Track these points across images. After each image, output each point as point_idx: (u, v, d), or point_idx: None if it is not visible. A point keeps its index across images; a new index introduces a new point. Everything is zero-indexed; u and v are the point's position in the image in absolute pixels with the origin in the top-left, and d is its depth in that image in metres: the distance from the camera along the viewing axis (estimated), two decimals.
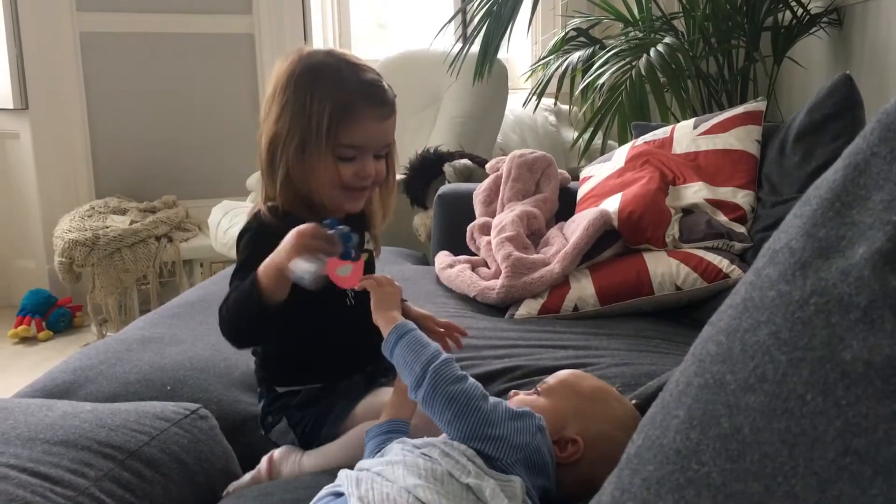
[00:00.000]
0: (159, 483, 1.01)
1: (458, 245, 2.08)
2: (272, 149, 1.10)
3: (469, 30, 2.96)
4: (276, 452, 1.14)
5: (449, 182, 2.60)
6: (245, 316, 1.05)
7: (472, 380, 0.88)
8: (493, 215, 2.06)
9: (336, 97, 1.08)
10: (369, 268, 1.19)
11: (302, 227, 1.01)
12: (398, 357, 0.92)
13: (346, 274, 1.07)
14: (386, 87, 1.13)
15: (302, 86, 1.08)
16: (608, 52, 2.62)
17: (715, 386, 0.49)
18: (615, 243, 1.78)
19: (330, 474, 0.99)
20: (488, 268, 1.90)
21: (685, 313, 1.70)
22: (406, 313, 1.12)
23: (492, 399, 0.87)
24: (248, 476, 1.13)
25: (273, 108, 1.11)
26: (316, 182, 1.10)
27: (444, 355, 0.89)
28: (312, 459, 1.10)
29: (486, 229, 2.01)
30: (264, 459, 1.13)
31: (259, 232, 1.11)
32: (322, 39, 4.00)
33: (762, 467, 0.44)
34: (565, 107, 3.75)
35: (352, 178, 1.11)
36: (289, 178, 1.10)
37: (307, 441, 1.13)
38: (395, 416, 0.99)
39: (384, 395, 1.06)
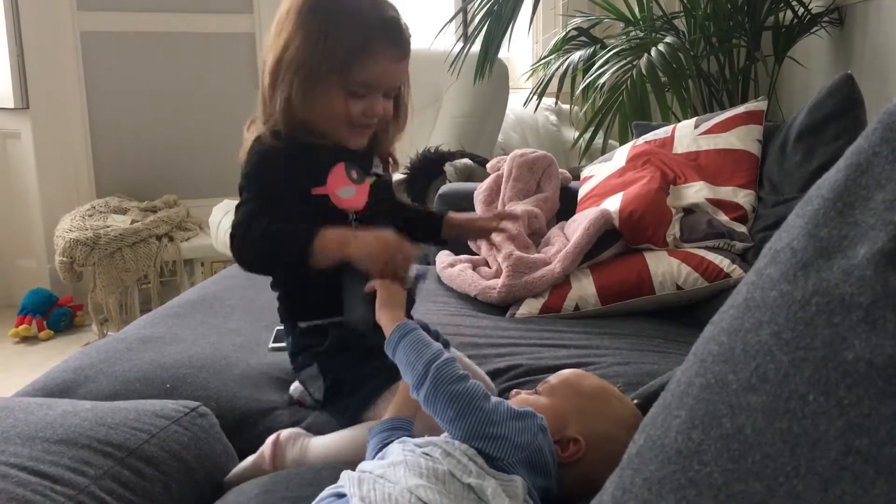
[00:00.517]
0: (159, 481, 1.01)
1: (459, 244, 2.08)
2: (277, 70, 1.08)
3: (470, 29, 2.95)
4: (283, 434, 1.13)
5: (450, 181, 2.61)
6: (281, 259, 1.05)
7: (473, 380, 0.88)
8: None
9: (354, 31, 1.06)
10: (384, 188, 1.19)
11: (391, 240, 1.02)
12: (400, 356, 0.92)
13: (349, 196, 1.07)
14: (404, 25, 1.11)
15: (321, 12, 1.06)
16: (609, 51, 2.62)
17: (717, 386, 0.49)
18: (616, 243, 1.78)
19: (332, 469, 0.99)
20: (489, 267, 1.90)
21: (686, 313, 1.70)
22: (451, 222, 1.19)
23: (493, 399, 0.87)
24: (250, 460, 1.12)
25: (285, 29, 1.08)
26: (320, 114, 1.09)
27: (446, 355, 0.89)
28: (318, 450, 1.09)
29: None
30: (269, 441, 1.12)
31: (263, 151, 1.09)
32: None
33: (764, 467, 0.43)
34: (566, 106, 3.75)
35: (359, 115, 1.10)
36: (290, 104, 1.08)
37: (331, 397, 1.12)
38: (398, 414, 1.00)
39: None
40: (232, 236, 1.06)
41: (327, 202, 1.11)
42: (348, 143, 1.13)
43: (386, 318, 0.97)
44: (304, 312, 1.15)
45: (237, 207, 1.09)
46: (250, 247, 1.06)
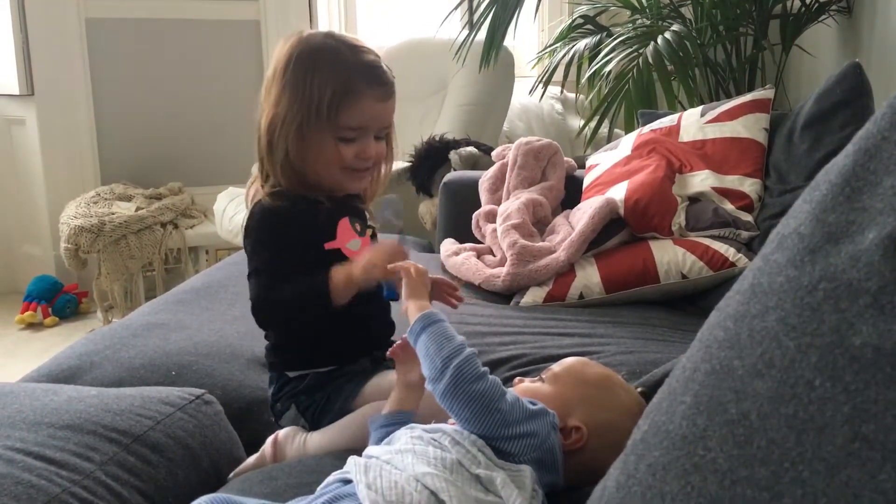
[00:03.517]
0: (164, 467, 1.01)
1: (463, 233, 2.08)
2: (271, 130, 1.11)
3: (475, 17, 2.94)
4: (281, 433, 1.14)
5: (455, 170, 2.60)
6: (305, 312, 1.10)
7: (491, 377, 0.87)
8: (498, 203, 2.06)
9: (336, 78, 1.08)
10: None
11: (380, 247, 1.06)
12: (421, 346, 0.91)
13: (357, 248, 1.10)
14: (385, 68, 1.14)
15: (301, 67, 1.09)
16: (615, 39, 2.60)
17: (722, 371, 0.49)
18: (621, 231, 1.78)
19: (335, 457, 0.99)
20: (494, 255, 1.90)
21: (691, 301, 1.70)
22: None
23: (509, 397, 0.86)
24: (252, 458, 1.13)
25: (273, 90, 1.11)
26: (316, 163, 1.11)
27: (467, 351, 0.88)
28: (317, 441, 1.10)
29: (491, 217, 2.00)
30: (269, 441, 1.14)
31: (268, 213, 1.12)
32: (328, 26, 3.99)
33: (769, 453, 0.43)
34: (572, 95, 3.74)
35: (353, 160, 1.12)
36: (288, 160, 1.11)
37: (317, 424, 1.14)
38: (400, 407, 0.99)
39: (391, 375, 1.06)
40: (256, 311, 1.11)
41: (337, 255, 1.13)
42: (348, 188, 1.17)
43: (413, 306, 0.96)
44: (296, 363, 1.17)
45: (250, 276, 1.13)
46: (278, 315, 1.12)
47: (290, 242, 1.12)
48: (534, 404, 0.87)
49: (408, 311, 0.96)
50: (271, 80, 1.12)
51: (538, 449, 0.84)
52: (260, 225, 1.13)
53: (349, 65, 1.10)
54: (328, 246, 1.14)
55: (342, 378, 1.14)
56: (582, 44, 2.91)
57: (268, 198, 1.12)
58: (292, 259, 1.10)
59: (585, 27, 3.04)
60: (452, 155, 2.67)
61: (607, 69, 2.50)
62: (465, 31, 3.01)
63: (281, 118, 1.10)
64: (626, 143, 2.05)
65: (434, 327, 0.91)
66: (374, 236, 1.21)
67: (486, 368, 0.88)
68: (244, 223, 1.17)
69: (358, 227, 1.18)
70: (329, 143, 1.10)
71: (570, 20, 3.12)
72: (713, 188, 1.80)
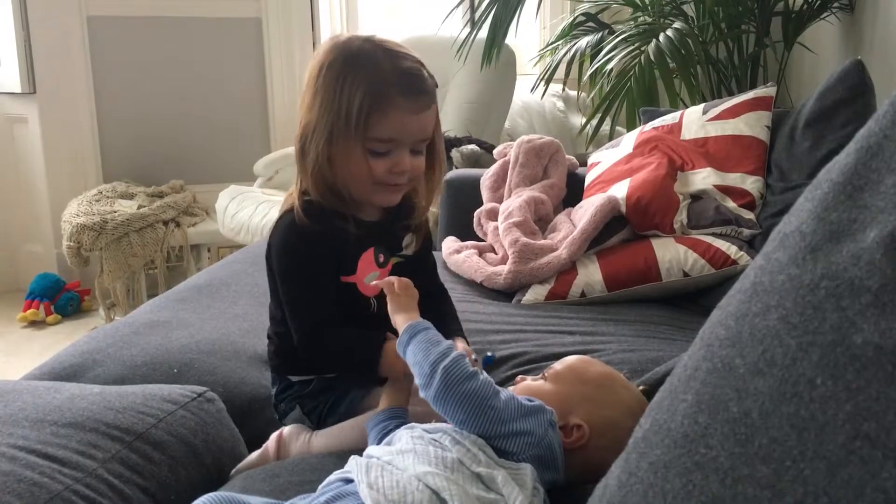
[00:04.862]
0: (166, 465, 1.02)
1: (465, 230, 2.08)
2: (304, 138, 1.06)
3: (477, 15, 2.94)
4: (286, 431, 1.14)
5: (456, 167, 2.60)
6: (351, 370, 1.10)
7: (482, 375, 0.87)
8: (500, 201, 2.06)
9: (367, 86, 1.01)
10: (407, 270, 1.14)
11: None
12: (410, 355, 0.91)
13: (372, 282, 1.07)
14: (425, 75, 1.06)
15: (334, 73, 1.03)
16: (617, 37, 2.60)
17: (723, 370, 0.49)
18: (623, 229, 1.78)
19: (337, 456, 1.00)
20: (495, 253, 1.90)
21: (693, 300, 1.70)
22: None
23: (503, 394, 0.86)
24: (255, 454, 1.13)
25: (306, 96, 1.06)
26: (347, 175, 1.05)
27: (454, 353, 0.88)
28: (322, 440, 1.10)
29: (493, 215, 2.00)
30: (272, 438, 1.14)
31: (294, 234, 1.08)
32: (329, 24, 3.99)
33: (771, 451, 0.43)
34: (573, 92, 3.74)
35: (385, 174, 1.05)
36: (318, 169, 1.05)
37: (323, 425, 1.13)
38: (392, 404, 1.00)
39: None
40: (302, 352, 1.09)
41: (353, 289, 1.11)
42: (379, 202, 1.10)
43: (400, 319, 0.97)
44: (300, 370, 1.15)
45: (287, 302, 1.10)
46: (323, 360, 1.10)
47: (317, 271, 1.08)
48: (531, 401, 0.87)
49: (395, 324, 0.97)
50: (306, 84, 1.06)
51: (536, 446, 0.84)
52: (286, 245, 1.09)
53: (383, 72, 1.02)
54: (345, 279, 1.10)
55: (348, 382, 1.13)
56: (584, 41, 2.90)
57: (299, 209, 1.07)
58: (323, 290, 1.08)
59: (587, 25, 3.04)
60: (454, 153, 2.67)
61: (609, 67, 2.50)
62: (467, 29, 3.01)
63: (312, 126, 1.04)
64: (627, 141, 2.05)
65: (420, 335, 0.92)
66: (398, 266, 1.15)
67: (475, 369, 0.88)
68: (272, 228, 1.13)
69: (381, 259, 1.13)
70: (358, 154, 1.04)
71: (572, 18, 3.12)
72: (715, 186, 1.79)
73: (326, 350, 1.08)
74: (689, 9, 2.82)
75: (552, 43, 3.15)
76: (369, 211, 1.13)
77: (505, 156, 2.19)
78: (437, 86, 1.08)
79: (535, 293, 1.71)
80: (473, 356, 1.02)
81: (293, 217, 1.08)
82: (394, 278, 1.03)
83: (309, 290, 1.08)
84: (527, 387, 0.94)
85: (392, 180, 1.06)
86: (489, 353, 1.03)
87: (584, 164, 2.21)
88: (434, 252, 2.12)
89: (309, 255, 1.07)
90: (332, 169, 1.05)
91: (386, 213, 1.14)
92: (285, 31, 3.76)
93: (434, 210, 2.55)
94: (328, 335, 1.08)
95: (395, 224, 1.16)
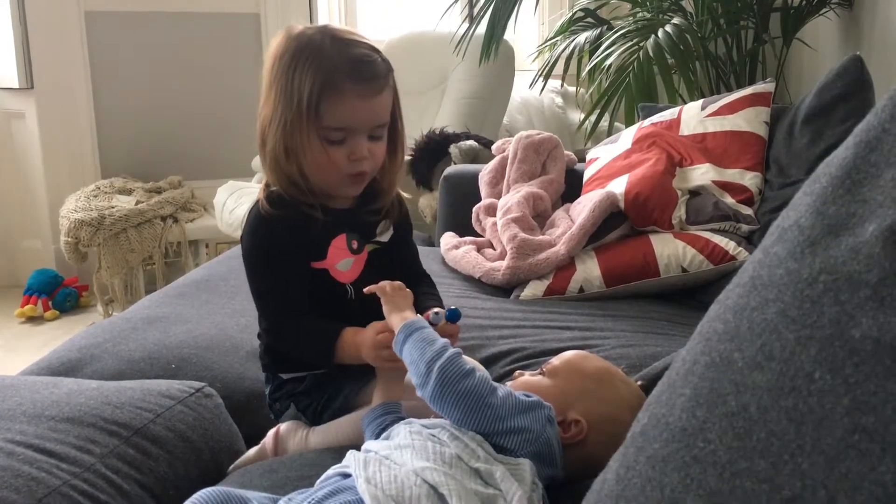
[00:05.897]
0: (164, 460, 1.02)
1: (463, 226, 2.08)
2: (262, 130, 1.07)
3: (475, 10, 2.94)
4: (283, 427, 1.14)
5: (455, 163, 2.60)
6: (312, 359, 1.10)
7: (479, 372, 0.87)
8: (498, 196, 2.06)
9: (316, 74, 1.02)
10: (384, 257, 1.15)
11: (378, 340, 1.00)
12: (406, 355, 0.91)
13: (346, 269, 1.06)
14: (377, 60, 1.05)
15: (285, 64, 1.04)
16: (616, 32, 2.59)
17: (722, 364, 0.49)
18: (621, 225, 1.78)
19: (335, 451, 1.00)
20: (494, 249, 1.90)
21: (691, 295, 1.70)
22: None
23: (500, 391, 0.86)
24: (252, 451, 1.13)
25: (263, 89, 1.07)
26: (307, 166, 1.05)
27: (450, 351, 0.88)
28: (319, 436, 1.10)
29: (491, 210, 2.00)
30: (270, 434, 1.13)
31: (259, 223, 1.09)
32: (328, 19, 3.98)
33: (769, 445, 0.43)
34: (572, 88, 3.73)
35: (345, 163, 1.05)
36: (276, 161, 1.05)
37: (318, 422, 1.13)
38: (386, 398, 1.00)
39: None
40: (270, 336, 1.12)
41: (325, 275, 1.10)
42: (344, 192, 1.11)
43: (395, 319, 0.97)
44: (289, 366, 1.15)
45: (253, 292, 1.12)
46: (289, 350, 1.12)
47: (282, 260, 1.08)
48: (528, 397, 0.87)
49: (392, 326, 0.97)
50: (263, 78, 1.07)
51: (535, 443, 0.84)
52: (251, 237, 1.10)
53: (331, 60, 1.02)
54: (315, 265, 1.10)
55: (341, 379, 1.13)
56: (582, 37, 2.90)
57: (263, 199, 1.08)
58: (288, 278, 1.08)
59: (586, 20, 3.04)
60: (452, 148, 2.67)
61: (608, 62, 2.50)
62: (466, 25, 3.00)
63: (269, 118, 1.05)
64: (626, 137, 2.05)
65: (416, 335, 0.91)
66: (374, 253, 1.15)
67: (471, 366, 0.87)
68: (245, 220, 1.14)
69: (355, 245, 1.12)
70: (316, 144, 1.03)
71: (571, 13, 3.12)
72: (713, 182, 1.79)
73: (288, 341, 1.09)
74: (688, 4, 2.82)
75: (551, 38, 3.15)
76: (337, 199, 1.13)
77: (503, 151, 2.19)
78: (391, 70, 1.07)
79: (534, 289, 1.71)
80: (435, 310, 1.01)
81: (258, 207, 1.09)
82: (386, 283, 1.02)
83: (273, 278, 1.09)
84: (525, 382, 0.94)
85: (353, 169, 1.06)
86: (453, 307, 1.03)
87: (582, 159, 2.21)
88: (432, 247, 2.13)
89: (273, 242, 1.07)
90: (290, 159, 1.05)
91: (355, 200, 1.14)
92: (283, 26, 3.73)
93: (433, 205, 2.56)
94: (288, 326, 1.08)
95: (364, 209, 1.15)
